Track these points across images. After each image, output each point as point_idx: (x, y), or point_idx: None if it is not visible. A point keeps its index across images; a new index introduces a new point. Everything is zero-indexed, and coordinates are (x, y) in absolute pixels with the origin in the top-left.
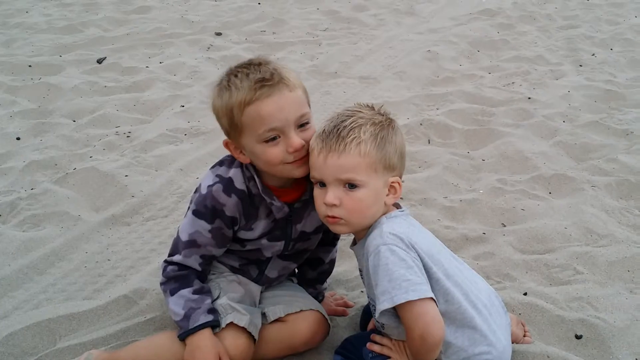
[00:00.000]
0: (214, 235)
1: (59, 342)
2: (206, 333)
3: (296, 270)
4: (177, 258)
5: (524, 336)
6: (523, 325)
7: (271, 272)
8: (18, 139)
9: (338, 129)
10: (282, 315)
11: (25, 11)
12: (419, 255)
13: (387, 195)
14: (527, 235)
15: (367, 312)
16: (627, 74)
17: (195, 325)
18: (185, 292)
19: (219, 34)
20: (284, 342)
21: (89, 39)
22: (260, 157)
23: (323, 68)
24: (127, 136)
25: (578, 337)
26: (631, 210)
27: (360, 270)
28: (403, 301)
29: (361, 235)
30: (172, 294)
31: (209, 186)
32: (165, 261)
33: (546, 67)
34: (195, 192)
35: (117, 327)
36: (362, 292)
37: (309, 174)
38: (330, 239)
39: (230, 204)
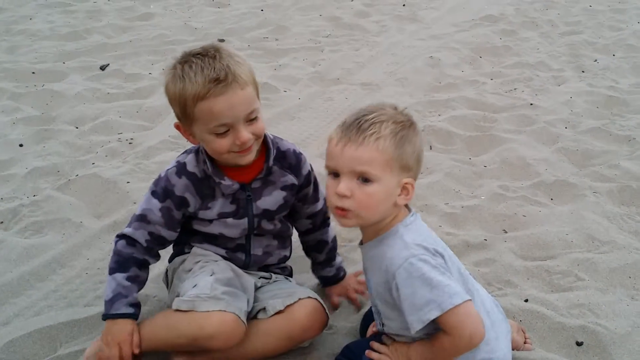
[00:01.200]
0: (163, 215)
1: (60, 348)
2: (124, 322)
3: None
4: (127, 230)
5: (525, 343)
6: (524, 332)
7: (256, 249)
8: (21, 145)
9: (359, 122)
10: (282, 308)
11: (29, 18)
12: (443, 258)
13: (399, 195)
14: (528, 241)
15: (367, 318)
16: (629, 80)
17: (115, 312)
18: (120, 276)
19: (221, 41)
20: (283, 331)
21: (92, 45)
22: (209, 145)
23: (325, 74)
24: (130, 143)
25: (579, 344)
26: (633, 217)
27: (365, 272)
28: (451, 307)
29: (370, 235)
30: (110, 273)
31: (167, 170)
32: (117, 235)
33: (548, 73)
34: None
35: None
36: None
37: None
38: (321, 222)
39: (179, 184)
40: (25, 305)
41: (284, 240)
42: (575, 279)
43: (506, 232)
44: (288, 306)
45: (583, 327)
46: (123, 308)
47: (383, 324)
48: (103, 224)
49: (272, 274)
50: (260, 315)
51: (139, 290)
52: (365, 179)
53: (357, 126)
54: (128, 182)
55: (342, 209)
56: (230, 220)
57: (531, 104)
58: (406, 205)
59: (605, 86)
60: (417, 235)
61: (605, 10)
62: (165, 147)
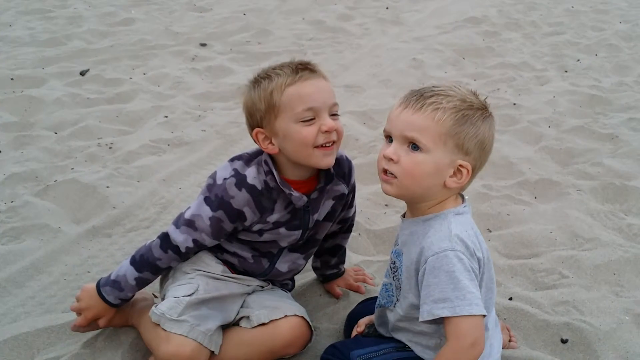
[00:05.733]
0: (212, 224)
1: (37, 355)
2: (102, 304)
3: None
4: (171, 230)
5: (510, 341)
6: (508, 330)
7: (281, 265)
8: None
9: (424, 91)
10: (266, 321)
11: (8, 25)
12: (479, 264)
13: (451, 176)
14: (512, 240)
15: (352, 319)
16: (611, 79)
17: (102, 294)
18: (131, 272)
19: (203, 45)
20: (265, 344)
21: (72, 51)
22: (294, 138)
23: None
24: (109, 147)
25: (564, 341)
26: (616, 214)
27: (399, 244)
28: (466, 314)
29: (416, 213)
30: (130, 260)
31: (224, 179)
32: (162, 233)
33: (531, 74)
34: (209, 177)
35: (96, 340)
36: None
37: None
38: (347, 227)
39: (239, 197)
40: (2, 312)
41: (309, 252)
42: (559, 277)
43: (490, 231)
44: (272, 321)
45: (568, 324)
46: (111, 297)
47: (397, 301)
48: (82, 230)
49: (271, 284)
50: (243, 323)
51: (139, 289)
52: (414, 147)
53: (420, 94)
54: (107, 187)
55: (387, 173)
56: (282, 230)
57: (514, 104)
58: (461, 196)
59: (588, 85)
60: (463, 229)
61: (587, 11)
62: (145, 152)
